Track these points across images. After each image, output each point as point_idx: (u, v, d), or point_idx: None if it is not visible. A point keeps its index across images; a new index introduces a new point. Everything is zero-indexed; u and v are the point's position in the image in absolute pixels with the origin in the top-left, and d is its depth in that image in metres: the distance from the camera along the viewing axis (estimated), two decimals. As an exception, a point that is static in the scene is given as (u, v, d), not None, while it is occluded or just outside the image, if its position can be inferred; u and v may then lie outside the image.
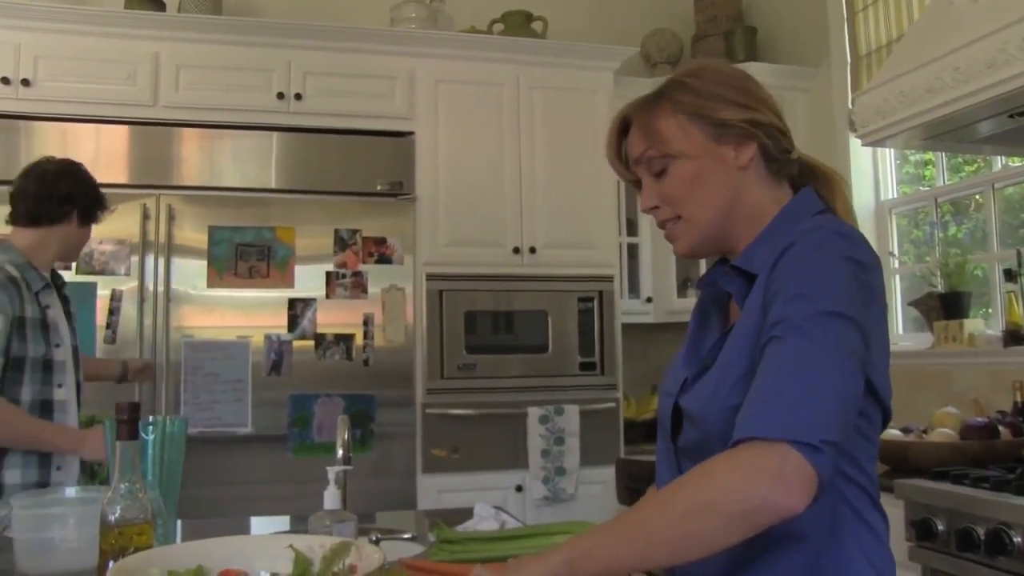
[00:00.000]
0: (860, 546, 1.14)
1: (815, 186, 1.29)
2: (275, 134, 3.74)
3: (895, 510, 2.33)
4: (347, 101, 3.78)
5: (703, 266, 4.23)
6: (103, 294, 3.46)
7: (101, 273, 3.47)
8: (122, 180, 3.57)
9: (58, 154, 3.39)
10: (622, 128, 1.32)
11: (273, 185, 3.72)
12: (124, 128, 3.62)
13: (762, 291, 1.15)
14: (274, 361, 3.58)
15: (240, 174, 3.69)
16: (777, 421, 0.99)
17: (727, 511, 0.99)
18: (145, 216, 3.53)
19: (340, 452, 1.60)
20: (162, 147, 3.64)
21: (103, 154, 3.57)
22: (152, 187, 3.58)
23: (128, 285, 3.47)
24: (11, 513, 1.48)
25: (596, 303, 3.92)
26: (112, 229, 3.48)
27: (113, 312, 3.45)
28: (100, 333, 3.43)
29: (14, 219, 2.46)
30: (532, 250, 3.88)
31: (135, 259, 3.50)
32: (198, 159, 3.68)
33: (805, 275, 1.09)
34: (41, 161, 2.54)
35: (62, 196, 2.45)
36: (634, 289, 4.33)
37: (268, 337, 3.60)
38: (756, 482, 0.97)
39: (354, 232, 3.72)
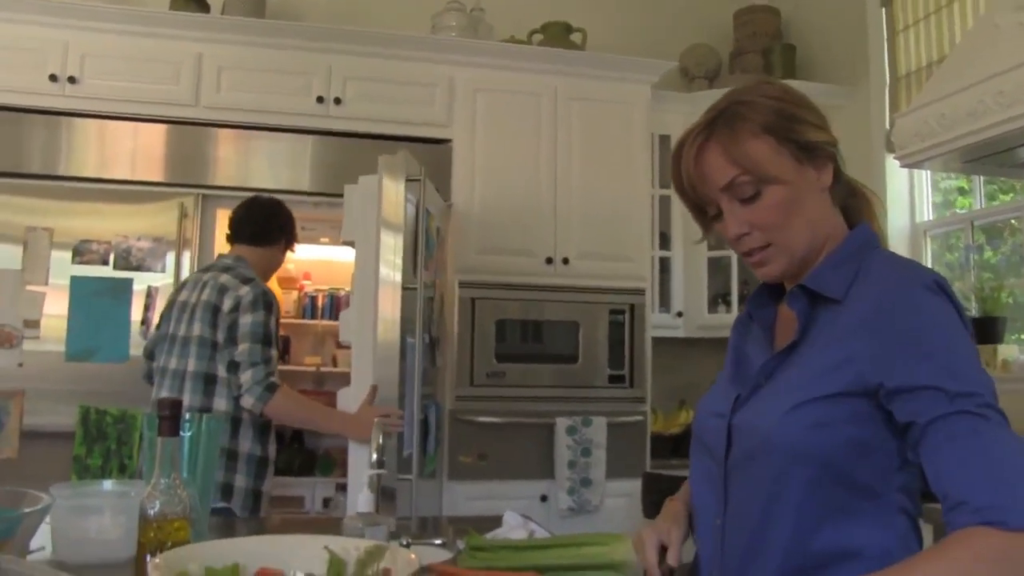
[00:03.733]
0: None
1: (854, 206, 1.29)
2: (311, 137, 3.77)
3: (924, 536, 2.30)
4: (386, 107, 3.80)
5: (735, 282, 4.22)
6: (139, 289, 3.50)
7: (138, 269, 3.51)
8: (159, 178, 3.62)
9: (96, 151, 3.48)
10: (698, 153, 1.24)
11: (307, 188, 3.75)
12: (163, 127, 3.66)
13: (860, 327, 1.13)
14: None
15: (275, 176, 3.72)
16: None
17: None
18: (183, 214, 3.57)
19: (374, 456, 1.61)
20: (201, 147, 3.68)
21: (141, 151, 3.63)
22: (189, 186, 3.62)
23: (164, 282, 3.51)
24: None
25: (627, 316, 3.92)
26: (149, 226, 3.53)
27: (148, 308, 3.50)
28: (135, 328, 3.47)
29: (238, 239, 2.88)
30: (565, 261, 3.88)
31: (171, 256, 3.54)
32: (235, 160, 3.72)
33: (943, 336, 1.09)
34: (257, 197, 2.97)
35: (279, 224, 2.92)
36: (665, 303, 4.32)
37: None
38: None
39: (388, 237, 3.74)
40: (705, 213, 1.29)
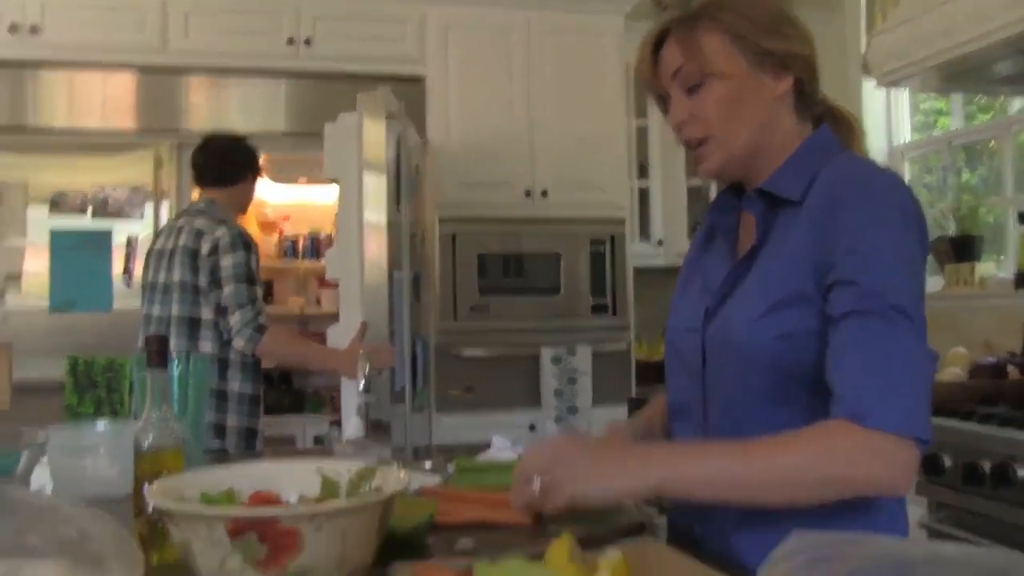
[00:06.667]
0: None
1: (838, 131, 1.30)
2: (284, 79, 3.74)
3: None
4: (357, 46, 3.76)
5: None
6: (119, 240, 3.49)
7: (116, 218, 3.49)
8: (132, 127, 3.59)
9: (66, 101, 3.44)
10: (658, 40, 1.29)
11: (282, 130, 3.73)
12: (133, 74, 3.62)
13: (811, 226, 1.15)
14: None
15: (248, 120, 3.69)
16: (905, 415, 1.04)
17: (852, 490, 1.07)
18: (158, 162, 3.54)
19: (361, 383, 1.63)
20: (172, 93, 3.65)
21: (111, 100, 3.59)
22: (162, 132, 3.59)
23: (144, 231, 3.50)
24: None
25: (607, 246, 3.94)
26: (125, 176, 3.51)
27: (130, 257, 3.49)
28: (117, 278, 3.47)
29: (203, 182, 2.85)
30: (544, 193, 3.89)
31: (149, 205, 3.53)
32: (208, 105, 3.69)
33: (888, 236, 1.11)
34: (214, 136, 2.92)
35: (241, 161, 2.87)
36: (645, 232, 4.34)
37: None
38: (889, 473, 1.05)
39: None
40: (664, 104, 1.31)
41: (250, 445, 2.63)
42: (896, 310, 1.07)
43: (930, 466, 2.34)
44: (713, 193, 4.21)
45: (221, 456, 2.45)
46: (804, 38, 1.27)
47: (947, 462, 2.31)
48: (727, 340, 1.21)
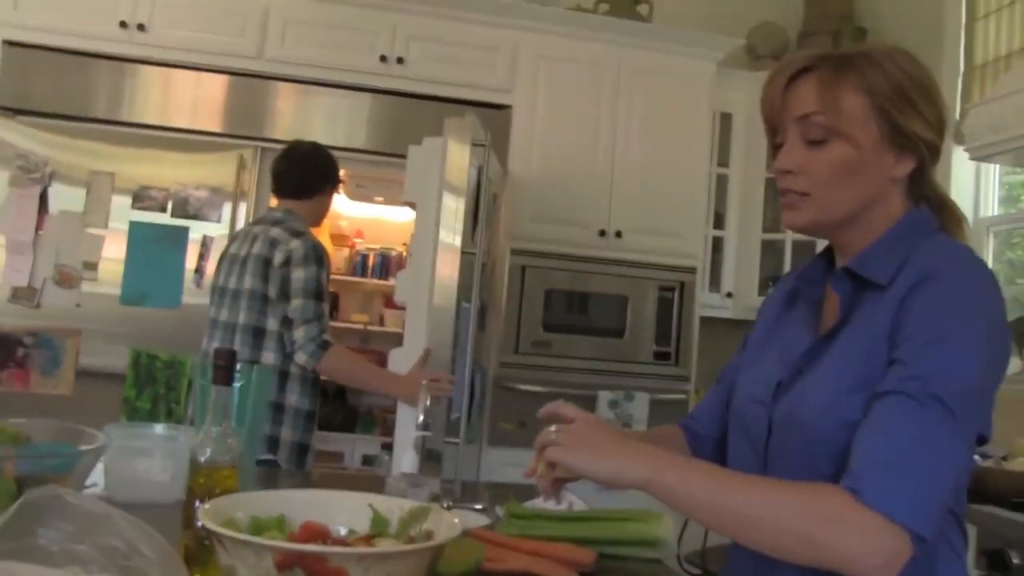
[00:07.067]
0: (949, 569, 1.14)
1: (941, 217, 1.23)
2: (371, 95, 3.78)
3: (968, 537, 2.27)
4: (448, 69, 3.79)
5: (788, 265, 4.16)
6: (194, 238, 3.54)
7: (195, 218, 3.56)
8: (219, 129, 3.66)
9: (159, 98, 3.51)
10: (797, 71, 1.19)
11: (363, 146, 3.76)
12: (226, 78, 3.69)
13: (893, 309, 1.10)
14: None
15: (332, 133, 3.73)
16: (908, 504, 0.98)
17: (825, 557, 1.01)
18: (240, 166, 3.60)
19: (420, 418, 1.62)
20: (261, 99, 3.71)
21: (203, 101, 3.67)
22: (248, 138, 3.65)
23: (219, 232, 3.55)
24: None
25: (676, 293, 3.89)
26: (207, 176, 3.57)
27: (203, 257, 3.54)
28: (188, 276, 3.52)
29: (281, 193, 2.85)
30: (618, 234, 3.86)
31: (227, 206, 3.58)
32: (294, 114, 3.74)
33: (953, 322, 1.06)
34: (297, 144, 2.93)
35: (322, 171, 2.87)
36: (715, 283, 4.28)
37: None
38: (865, 551, 0.98)
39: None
40: (775, 137, 1.23)
41: (301, 461, 2.63)
42: (934, 398, 1.01)
43: (994, 561, 2.24)
44: (788, 248, 4.15)
45: (272, 470, 2.45)
46: (939, 119, 1.18)
47: (1014, 559, 2.21)
48: (796, 420, 1.16)
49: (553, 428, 1.18)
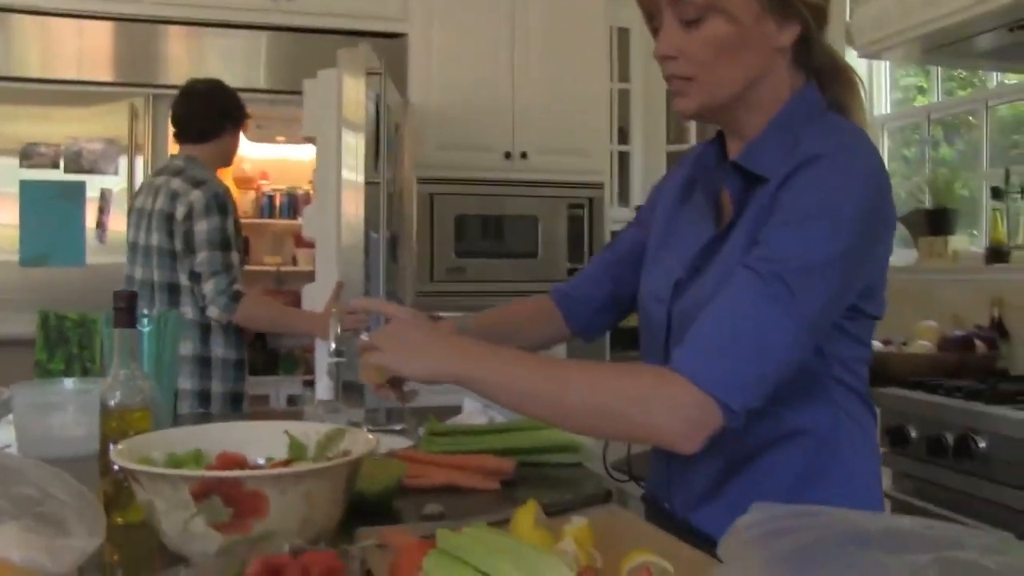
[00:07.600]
0: (853, 445, 1.16)
1: (834, 85, 1.20)
2: (265, 33, 3.68)
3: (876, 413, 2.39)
4: (339, 1, 3.71)
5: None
6: (93, 195, 3.44)
7: (90, 172, 3.45)
8: (107, 78, 3.53)
9: (39, 50, 3.36)
10: None
11: (262, 85, 3.68)
12: (109, 24, 3.55)
13: (771, 200, 1.09)
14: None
15: (229, 73, 3.63)
16: (718, 377, 1.00)
17: (637, 433, 1.06)
18: (133, 115, 3.49)
19: (333, 345, 1.63)
20: (150, 44, 3.59)
21: (87, 50, 3.53)
22: (138, 85, 3.54)
23: (118, 185, 3.46)
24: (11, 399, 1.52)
25: (586, 210, 3.94)
26: (99, 128, 3.45)
27: (103, 211, 3.45)
28: (90, 232, 3.43)
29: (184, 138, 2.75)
30: (524, 155, 3.87)
31: (124, 158, 3.48)
32: (186, 57, 3.63)
33: (816, 204, 1.04)
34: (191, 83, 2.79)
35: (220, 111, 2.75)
36: (624, 197, 4.34)
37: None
38: (673, 425, 1.00)
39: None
40: (652, 22, 1.17)
41: (236, 410, 2.61)
42: (777, 277, 1.01)
43: (895, 437, 2.37)
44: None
45: (198, 417, 2.43)
46: None
47: (912, 434, 2.34)
48: (690, 318, 1.12)
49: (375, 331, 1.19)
